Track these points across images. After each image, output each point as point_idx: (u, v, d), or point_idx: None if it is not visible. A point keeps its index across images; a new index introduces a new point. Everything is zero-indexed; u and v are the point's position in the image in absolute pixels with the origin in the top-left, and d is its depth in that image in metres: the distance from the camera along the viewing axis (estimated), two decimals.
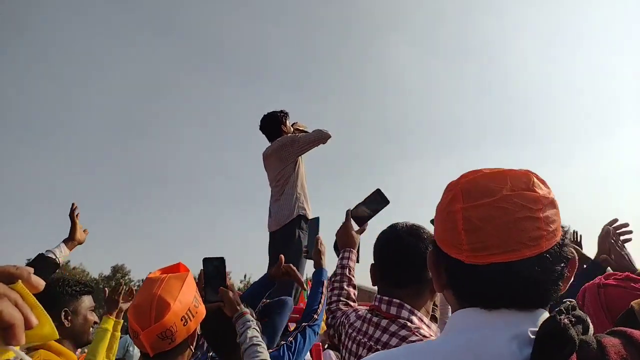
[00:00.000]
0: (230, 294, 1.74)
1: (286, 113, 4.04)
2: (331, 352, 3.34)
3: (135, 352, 5.92)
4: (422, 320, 1.35)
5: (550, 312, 0.72)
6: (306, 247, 2.41)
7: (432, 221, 1.23)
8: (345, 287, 1.73)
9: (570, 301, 0.71)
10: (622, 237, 2.02)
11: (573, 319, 0.67)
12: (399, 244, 1.42)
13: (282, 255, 2.23)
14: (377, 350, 1.31)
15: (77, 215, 2.21)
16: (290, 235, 3.59)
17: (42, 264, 1.95)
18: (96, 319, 1.93)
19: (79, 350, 2.44)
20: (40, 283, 0.52)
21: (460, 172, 0.79)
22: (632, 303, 1.16)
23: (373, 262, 1.51)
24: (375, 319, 1.40)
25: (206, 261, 1.84)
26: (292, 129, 4.01)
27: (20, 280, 0.50)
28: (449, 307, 0.83)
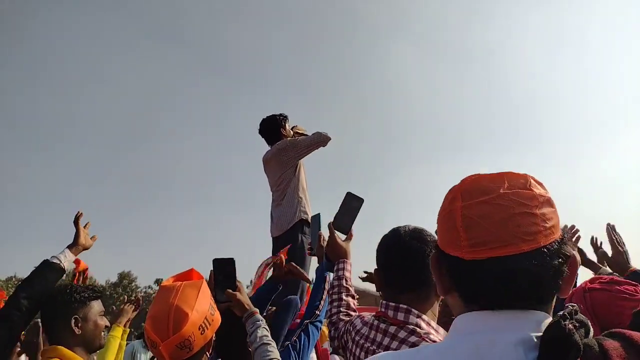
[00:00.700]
0: (240, 294, 1.75)
1: (285, 116, 4.01)
2: (337, 357, 3.31)
3: (142, 358, 5.92)
4: (430, 325, 1.33)
5: (553, 316, 0.72)
6: (310, 244, 2.42)
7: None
8: (344, 297, 1.73)
9: (573, 306, 0.71)
10: (573, 238, 2.26)
11: (577, 324, 0.68)
12: (402, 248, 1.39)
13: (282, 255, 2.24)
14: None
15: (79, 219, 2.21)
16: (293, 241, 3.56)
17: (47, 270, 1.94)
18: (107, 322, 1.94)
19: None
20: None
21: (464, 175, 0.82)
22: None
23: (376, 267, 1.48)
24: (382, 326, 1.36)
25: (216, 262, 1.85)
26: (291, 133, 3.98)
27: None
28: None
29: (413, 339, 1.27)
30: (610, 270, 2.21)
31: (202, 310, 1.38)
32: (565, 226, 2.26)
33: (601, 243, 2.48)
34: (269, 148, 3.96)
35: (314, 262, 2.37)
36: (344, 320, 1.61)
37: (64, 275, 2.05)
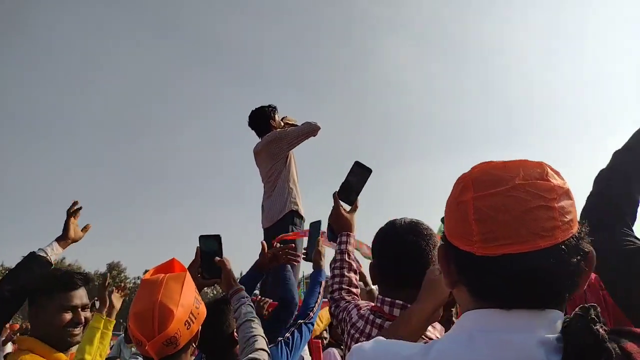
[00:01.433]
0: (227, 268, 1.76)
1: (274, 107, 3.98)
2: (335, 350, 3.30)
3: (126, 352, 5.87)
4: (434, 327, 1.31)
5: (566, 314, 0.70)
6: (305, 249, 2.39)
7: (442, 220, 1.19)
8: (346, 273, 1.67)
9: (594, 306, 0.68)
10: None
11: (607, 329, 0.65)
12: (396, 241, 1.38)
13: (263, 242, 2.22)
14: None
15: (75, 212, 2.11)
16: (284, 231, 3.56)
17: (34, 263, 1.88)
18: (76, 318, 1.74)
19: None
20: None
21: (459, 172, 0.76)
22: None
23: (372, 261, 1.47)
24: (378, 321, 1.35)
25: (202, 238, 1.82)
26: (281, 124, 3.96)
27: None
28: None
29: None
30: None
31: (187, 304, 1.34)
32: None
33: None
34: (259, 140, 3.94)
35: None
36: (345, 298, 1.59)
37: (51, 267, 1.96)
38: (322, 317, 3.12)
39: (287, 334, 1.95)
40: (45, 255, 1.92)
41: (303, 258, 2.47)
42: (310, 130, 3.75)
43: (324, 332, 3.58)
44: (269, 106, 3.97)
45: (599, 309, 0.68)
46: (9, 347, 5.69)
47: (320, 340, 3.29)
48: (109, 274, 3.75)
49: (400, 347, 0.77)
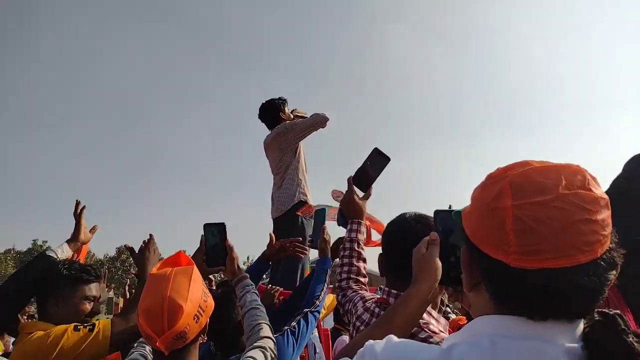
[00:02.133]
0: (232, 256, 1.77)
1: (284, 100, 4.02)
2: (346, 337, 3.31)
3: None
4: (431, 315, 1.31)
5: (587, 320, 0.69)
6: (311, 237, 2.37)
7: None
8: (355, 262, 1.65)
9: (619, 314, 0.67)
10: None
11: (637, 338, 0.63)
12: (405, 230, 1.40)
13: (272, 233, 2.23)
14: None
15: (81, 212, 2.17)
16: (293, 222, 3.62)
17: (43, 263, 1.93)
18: (96, 309, 1.86)
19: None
20: None
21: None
22: None
23: (381, 252, 1.48)
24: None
25: (207, 227, 1.82)
26: (291, 116, 4.00)
27: None
28: None
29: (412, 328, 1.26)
30: None
31: (196, 299, 1.36)
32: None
33: None
34: (269, 132, 3.99)
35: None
36: (352, 288, 1.59)
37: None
38: (325, 305, 3.12)
39: (293, 323, 1.93)
40: (55, 257, 1.97)
41: (308, 245, 2.41)
42: (319, 121, 3.78)
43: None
44: (279, 99, 4.00)
45: (626, 318, 0.66)
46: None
47: (328, 329, 3.29)
48: (125, 267, 3.73)
49: (416, 351, 0.75)
